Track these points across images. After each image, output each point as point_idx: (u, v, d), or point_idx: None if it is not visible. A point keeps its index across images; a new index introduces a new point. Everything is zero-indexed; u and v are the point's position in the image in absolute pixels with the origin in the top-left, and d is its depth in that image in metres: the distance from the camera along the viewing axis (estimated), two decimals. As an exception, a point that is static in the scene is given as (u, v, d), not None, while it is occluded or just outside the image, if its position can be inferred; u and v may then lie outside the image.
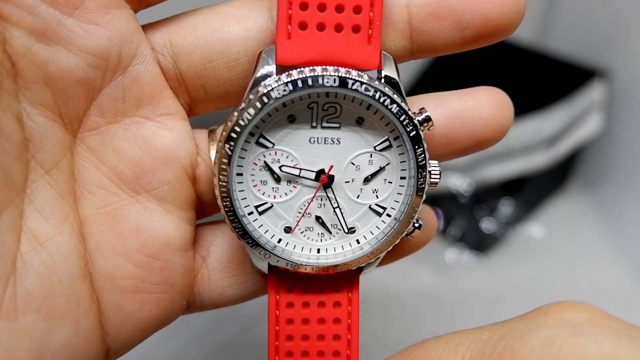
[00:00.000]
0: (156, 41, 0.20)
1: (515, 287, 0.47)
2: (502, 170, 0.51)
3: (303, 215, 0.21)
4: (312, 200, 0.21)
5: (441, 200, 0.53)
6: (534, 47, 0.57)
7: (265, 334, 0.22)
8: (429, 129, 0.20)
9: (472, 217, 0.51)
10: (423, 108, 0.20)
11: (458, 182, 0.53)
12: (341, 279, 0.21)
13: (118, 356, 0.21)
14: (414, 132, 0.19)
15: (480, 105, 0.21)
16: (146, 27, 0.20)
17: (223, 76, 0.20)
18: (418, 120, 0.19)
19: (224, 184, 0.20)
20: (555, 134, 0.50)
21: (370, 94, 0.19)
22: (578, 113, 0.51)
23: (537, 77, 0.54)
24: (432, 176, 0.20)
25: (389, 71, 0.20)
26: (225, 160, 0.19)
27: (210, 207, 0.22)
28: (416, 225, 0.21)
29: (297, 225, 0.21)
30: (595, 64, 0.52)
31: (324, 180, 0.20)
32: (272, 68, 0.19)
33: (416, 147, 0.20)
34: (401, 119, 0.19)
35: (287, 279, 0.22)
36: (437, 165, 0.20)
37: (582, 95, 0.50)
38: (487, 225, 0.50)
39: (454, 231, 0.52)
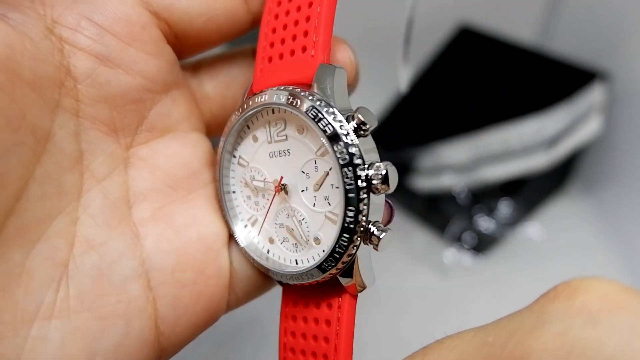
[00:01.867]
0: (187, 70, 0.24)
1: (514, 288, 0.47)
2: (502, 170, 0.51)
3: (278, 226, 0.22)
4: (269, 209, 0.22)
5: (440, 201, 0.53)
6: (535, 49, 0.57)
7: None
8: (364, 132, 0.19)
9: (471, 218, 0.51)
10: (357, 109, 0.19)
11: (457, 182, 0.53)
12: (329, 287, 0.21)
13: (171, 357, 0.22)
14: (331, 130, 0.19)
15: None
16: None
17: (239, 96, 0.24)
18: (353, 127, 0.19)
19: (220, 200, 0.23)
20: (555, 135, 0.50)
21: (282, 101, 0.20)
22: (578, 115, 0.51)
23: (537, 79, 0.54)
24: (374, 179, 0.18)
25: (324, 81, 0.20)
26: (218, 179, 0.23)
27: None
28: (372, 230, 0.19)
29: (276, 235, 0.22)
30: (596, 65, 0.52)
31: (277, 189, 0.22)
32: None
33: (333, 144, 0.19)
34: (316, 121, 0.19)
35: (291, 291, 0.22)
36: (382, 166, 0.19)
37: (583, 97, 0.50)
38: (486, 225, 0.50)
39: (452, 232, 0.52)
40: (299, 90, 0.20)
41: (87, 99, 0.20)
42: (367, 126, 0.19)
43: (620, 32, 0.53)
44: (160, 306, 0.20)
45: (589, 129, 0.51)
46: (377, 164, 0.19)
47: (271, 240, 0.23)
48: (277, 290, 0.24)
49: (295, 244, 0.22)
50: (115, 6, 0.20)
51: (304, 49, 0.21)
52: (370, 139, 0.19)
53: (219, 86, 0.24)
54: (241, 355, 0.42)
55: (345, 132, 0.19)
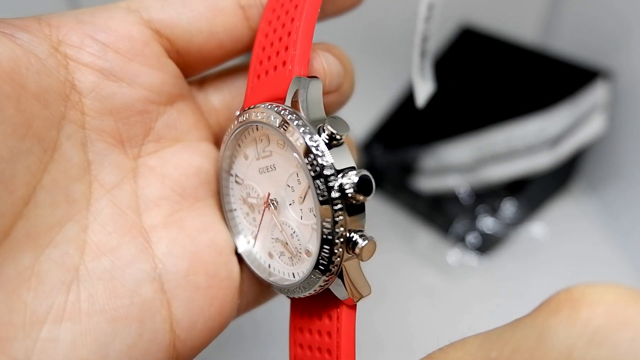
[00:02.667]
0: (193, 84, 0.25)
1: (518, 288, 0.47)
2: (505, 170, 0.51)
3: (274, 241, 0.22)
4: (260, 224, 0.23)
5: (443, 201, 0.53)
6: (537, 48, 0.57)
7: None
8: (337, 141, 0.19)
9: (475, 218, 0.51)
10: (327, 120, 0.19)
11: (460, 183, 0.53)
12: (329, 298, 0.21)
13: None
14: (301, 144, 0.19)
15: None
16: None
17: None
18: (324, 140, 0.19)
19: (225, 218, 0.24)
20: (558, 135, 0.50)
21: (261, 119, 0.20)
22: (582, 113, 0.51)
23: (540, 78, 0.54)
24: (346, 188, 0.18)
25: (299, 95, 0.20)
26: (221, 197, 0.24)
27: None
28: (355, 239, 0.19)
29: (274, 249, 0.23)
30: (599, 64, 0.52)
31: (266, 204, 0.22)
32: None
33: (306, 157, 0.19)
34: (288, 135, 0.19)
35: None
36: (354, 174, 0.18)
37: (586, 95, 0.50)
38: (490, 225, 0.50)
39: (456, 232, 0.51)
40: (273, 105, 0.20)
41: (93, 111, 0.21)
42: (338, 136, 0.19)
43: (622, 30, 0.53)
44: (175, 309, 0.21)
45: (592, 128, 0.51)
46: (350, 173, 0.18)
47: (270, 255, 0.23)
48: (282, 296, 0.24)
49: (291, 258, 0.22)
50: (118, 25, 0.21)
51: (284, 64, 0.21)
52: (344, 147, 0.19)
53: (225, 98, 0.25)
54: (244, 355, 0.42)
55: (314, 145, 0.19)
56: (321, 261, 0.19)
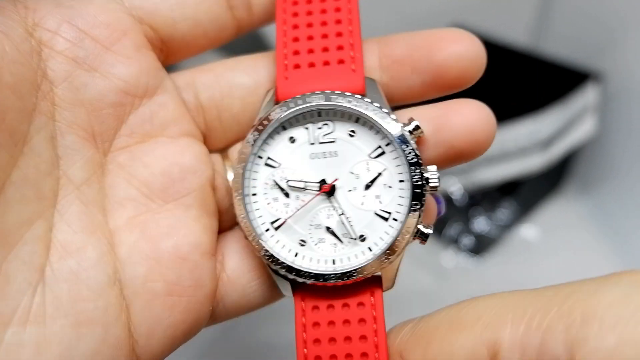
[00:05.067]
0: (181, 79, 0.23)
1: (511, 289, 0.47)
2: (498, 172, 0.51)
3: (314, 227, 0.22)
4: (300, 208, 0.22)
5: (437, 203, 0.53)
6: (528, 50, 0.58)
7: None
8: (418, 136, 0.21)
9: (468, 220, 0.51)
10: (411, 118, 0.21)
11: (454, 185, 0.53)
12: (363, 285, 0.22)
13: None
14: (400, 134, 0.21)
15: (463, 119, 0.22)
16: (172, 72, 0.23)
17: (236, 107, 0.24)
18: (408, 130, 0.21)
19: (240, 203, 0.22)
20: (550, 137, 0.50)
21: (352, 105, 0.21)
22: (572, 115, 0.51)
23: (531, 80, 0.55)
24: (431, 180, 0.21)
25: (372, 92, 0.22)
26: (239, 180, 0.22)
27: (225, 223, 0.24)
28: (422, 229, 0.21)
29: (309, 236, 0.22)
30: (589, 66, 0.52)
31: (326, 188, 0.22)
32: (273, 104, 0.23)
33: (403, 146, 0.21)
34: (385, 125, 0.22)
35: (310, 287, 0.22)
36: (436, 170, 0.21)
37: (577, 97, 0.51)
38: (483, 227, 0.50)
39: (449, 233, 0.52)
40: (359, 97, 0.22)
41: (64, 102, 0.20)
42: (419, 131, 0.21)
43: (612, 33, 0.53)
44: (133, 315, 0.20)
45: (583, 130, 0.51)
46: (428, 167, 0.21)
47: (302, 243, 0.22)
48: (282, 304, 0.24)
49: (335, 244, 0.22)
50: (97, 11, 0.20)
51: (341, 62, 0.23)
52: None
53: (214, 96, 0.24)
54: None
55: (409, 136, 0.21)
56: (396, 243, 0.21)
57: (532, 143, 0.50)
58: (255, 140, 0.22)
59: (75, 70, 0.20)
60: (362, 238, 0.22)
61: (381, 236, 0.22)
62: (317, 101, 0.21)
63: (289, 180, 0.22)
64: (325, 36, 0.23)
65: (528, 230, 0.54)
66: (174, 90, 0.23)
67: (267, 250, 0.22)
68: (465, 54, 0.22)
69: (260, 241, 0.22)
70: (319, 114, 0.22)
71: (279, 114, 0.22)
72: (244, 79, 0.24)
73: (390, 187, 0.22)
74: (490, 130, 0.22)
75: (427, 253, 0.52)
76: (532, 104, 0.51)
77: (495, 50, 0.59)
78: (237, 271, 0.23)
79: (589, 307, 0.15)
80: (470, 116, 0.21)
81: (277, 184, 0.23)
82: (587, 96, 0.51)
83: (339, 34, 0.23)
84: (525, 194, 0.53)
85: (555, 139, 0.51)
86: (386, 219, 0.22)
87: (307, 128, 0.22)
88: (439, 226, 0.53)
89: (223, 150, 0.25)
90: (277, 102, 0.22)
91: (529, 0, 0.63)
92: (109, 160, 0.21)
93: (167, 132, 0.22)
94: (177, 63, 0.24)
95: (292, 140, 0.23)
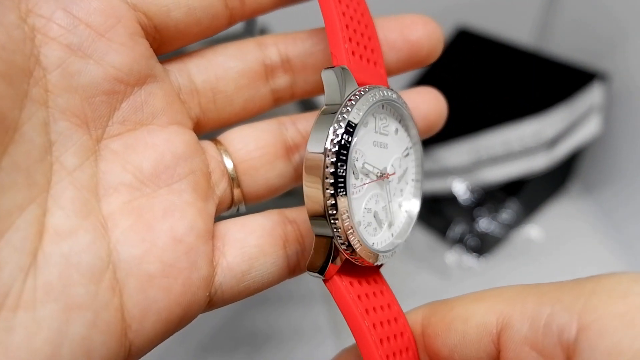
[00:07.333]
0: (173, 65, 0.24)
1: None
2: (502, 172, 0.51)
3: (367, 211, 0.23)
4: (359, 191, 0.22)
5: (441, 203, 0.53)
6: (533, 50, 0.57)
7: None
8: None
9: (473, 220, 0.51)
10: None
11: (458, 185, 0.53)
12: (375, 271, 0.24)
13: (142, 354, 0.21)
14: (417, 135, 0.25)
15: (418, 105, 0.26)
16: (162, 60, 0.24)
17: (230, 90, 0.25)
18: None
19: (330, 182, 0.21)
20: (555, 136, 0.50)
21: (405, 109, 0.24)
22: (578, 115, 0.51)
23: (536, 80, 0.55)
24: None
25: None
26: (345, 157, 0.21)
27: (221, 205, 0.25)
28: None
29: (363, 219, 0.23)
30: (595, 66, 0.52)
31: (387, 175, 0.24)
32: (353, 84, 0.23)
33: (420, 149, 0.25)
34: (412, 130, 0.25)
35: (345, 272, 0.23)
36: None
37: (582, 97, 0.50)
38: (487, 227, 0.50)
39: (454, 233, 0.52)
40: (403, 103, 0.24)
41: (57, 89, 0.20)
42: None
43: (618, 32, 0.53)
44: (127, 298, 0.20)
45: (588, 130, 0.51)
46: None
47: (358, 224, 0.22)
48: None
49: (375, 228, 0.23)
50: None
51: (375, 64, 0.24)
52: None
53: (209, 79, 0.24)
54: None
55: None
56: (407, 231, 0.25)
57: (537, 143, 0.50)
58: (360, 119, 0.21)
59: (69, 57, 0.20)
60: (391, 225, 0.25)
61: (399, 225, 0.25)
62: (388, 94, 0.23)
63: (365, 163, 0.22)
64: (362, 35, 0.24)
65: (533, 230, 0.54)
66: (166, 78, 0.23)
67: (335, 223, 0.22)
68: (433, 34, 0.26)
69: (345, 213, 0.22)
70: (383, 106, 0.23)
71: (361, 95, 0.21)
72: (235, 62, 0.25)
73: (406, 183, 0.25)
74: (442, 114, 0.27)
75: (432, 253, 0.52)
76: (537, 104, 0.51)
77: (501, 50, 0.59)
78: (237, 258, 0.23)
79: (599, 282, 0.16)
80: (426, 104, 0.26)
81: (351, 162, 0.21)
82: (592, 96, 0.51)
83: (370, 37, 0.24)
84: (530, 193, 0.53)
85: (560, 138, 0.50)
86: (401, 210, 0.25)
87: (374, 116, 0.23)
88: (444, 226, 0.53)
89: (214, 131, 0.26)
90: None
91: (534, -1, 0.63)
92: (102, 147, 0.21)
93: (158, 120, 0.22)
94: (167, 54, 0.24)
95: (365, 124, 0.22)
